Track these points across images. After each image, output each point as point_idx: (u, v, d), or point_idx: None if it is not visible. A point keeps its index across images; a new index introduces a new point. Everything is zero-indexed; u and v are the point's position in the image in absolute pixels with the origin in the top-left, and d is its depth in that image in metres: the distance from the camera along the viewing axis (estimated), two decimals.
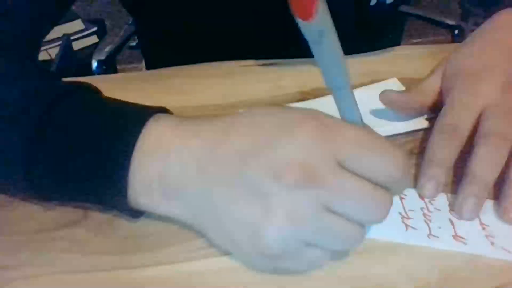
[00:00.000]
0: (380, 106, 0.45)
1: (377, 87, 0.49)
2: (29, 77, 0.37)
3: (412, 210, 0.36)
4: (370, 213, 0.29)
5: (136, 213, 0.34)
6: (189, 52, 0.57)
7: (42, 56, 1.50)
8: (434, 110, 0.44)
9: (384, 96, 0.44)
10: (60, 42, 1.54)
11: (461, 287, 0.31)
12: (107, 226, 0.35)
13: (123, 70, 1.65)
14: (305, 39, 0.27)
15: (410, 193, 0.37)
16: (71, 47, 1.63)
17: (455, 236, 0.34)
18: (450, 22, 1.09)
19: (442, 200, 0.37)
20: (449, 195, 0.37)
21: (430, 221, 0.35)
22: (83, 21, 1.74)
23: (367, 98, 0.45)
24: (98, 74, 0.96)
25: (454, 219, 0.35)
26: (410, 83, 0.49)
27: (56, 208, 0.36)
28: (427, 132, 0.43)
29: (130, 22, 1.06)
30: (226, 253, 0.32)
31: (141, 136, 0.31)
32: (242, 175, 0.29)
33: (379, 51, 0.57)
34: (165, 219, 0.34)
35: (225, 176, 0.29)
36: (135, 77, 0.57)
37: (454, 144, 0.38)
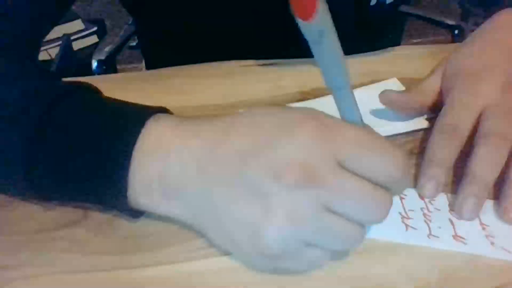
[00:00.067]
0: (380, 106, 0.45)
1: (377, 87, 0.49)
2: (29, 77, 0.37)
3: (412, 210, 0.36)
4: (370, 213, 0.29)
5: (136, 213, 0.34)
6: (189, 52, 0.57)
7: (42, 56, 1.50)
8: (434, 110, 0.44)
9: (384, 96, 0.44)
10: (60, 42, 1.55)
11: (461, 287, 0.31)
12: (107, 226, 0.35)
13: (123, 70, 1.65)
14: (305, 39, 0.27)
15: (410, 193, 0.37)
16: (71, 47, 1.63)
17: (455, 236, 0.34)
18: (450, 22, 1.09)
19: (442, 200, 0.37)
20: (449, 195, 0.37)
21: (430, 221, 0.35)
22: (83, 21, 1.74)
23: (367, 98, 0.45)
24: (98, 74, 0.96)
25: (454, 219, 0.35)
26: (410, 83, 0.49)
27: (56, 208, 0.36)
28: (427, 132, 0.43)
29: (130, 22, 1.06)
30: (226, 253, 0.32)
31: (140, 136, 0.31)
32: (242, 175, 0.29)
33: (379, 51, 0.57)
34: (165, 219, 0.34)
35: (225, 176, 0.29)
36: (135, 77, 0.57)
37: (454, 144, 0.38)
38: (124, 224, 0.35)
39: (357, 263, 0.32)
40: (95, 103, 0.34)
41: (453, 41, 1.08)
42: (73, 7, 0.58)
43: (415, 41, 2.10)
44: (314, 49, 0.28)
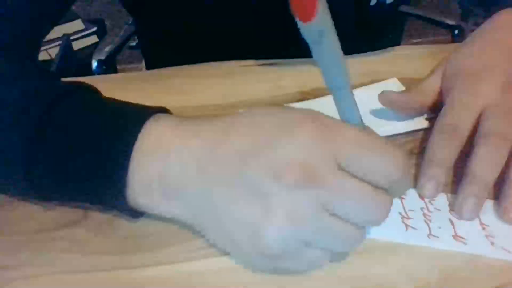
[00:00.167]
0: (380, 106, 0.45)
1: (377, 87, 0.49)
2: (29, 77, 0.37)
3: (412, 210, 0.36)
4: (370, 214, 0.29)
5: (136, 213, 0.34)
6: (189, 52, 0.57)
7: (42, 56, 1.50)
8: (434, 110, 0.44)
9: (383, 96, 0.44)
10: (60, 42, 1.55)
11: (461, 287, 0.31)
12: (107, 226, 0.35)
13: (123, 70, 1.65)
14: (305, 39, 0.27)
15: (410, 193, 0.37)
16: (71, 47, 1.63)
17: (455, 236, 0.34)
18: (450, 22, 1.09)
19: (442, 200, 0.37)
20: (449, 195, 0.37)
21: (430, 221, 0.35)
22: (83, 21, 1.74)
23: (367, 98, 0.45)
24: (98, 74, 0.96)
25: (454, 219, 0.35)
26: (410, 83, 0.49)
27: (56, 208, 0.36)
28: (427, 132, 0.43)
29: (130, 22, 1.06)
30: (226, 253, 0.32)
31: (140, 136, 0.31)
32: (242, 175, 0.29)
33: (379, 51, 0.57)
34: (165, 219, 0.33)
35: (225, 176, 0.29)
36: (135, 77, 0.57)
37: (454, 144, 0.38)
38: (124, 224, 0.35)
39: (357, 263, 0.32)
40: (95, 103, 0.34)
41: (453, 41, 1.08)
42: (73, 7, 0.57)
43: (415, 41, 2.10)
44: (314, 49, 0.28)
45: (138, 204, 0.32)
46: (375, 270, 0.32)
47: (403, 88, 0.49)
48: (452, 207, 0.36)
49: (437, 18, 1.12)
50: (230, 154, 0.29)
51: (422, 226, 0.34)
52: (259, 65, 0.55)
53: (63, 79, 0.37)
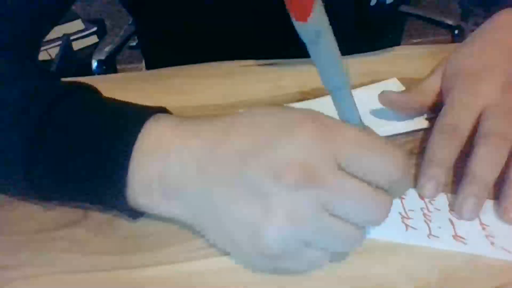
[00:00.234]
0: (380, 106, 0.45)
1: (377, 87, 0.49)
2: (29, 77, 0.37)
3: (412, 210, 0.36)
4: (370, 214, 0.29)
5: (135, 213, 0.34)
6: (189, 52, 0.57)
7: (42, 56, 1.49)
8: (434, 110, 0.44)
9: (383, 96, 0.44)
10: (60, 42, 1.55)
11: (461, 287, 0.31)
12: (107, 226, 0.35)
13: (123, 70, 1.65)
14: (302, 39, 0.27)
15: (410, 193, 0.37)
16: (71, 47, 1.63)
17: (455, 236, 0.34)
18: (450, 22, 1.09)
19: (442, 200, 0.37)
20: (449, 195, 0.37)
21: (430, 221, 0.35)
22: (83, 21, 1.74)
23: (367, 98, 0.45)
24: (98, 74, 0.96)
25: (454, 219, 0.35)
26: (410, 83, 0.49)
27: (56, 208, 0.36)
28: (427, 132, 0.43)
29: (130, 22, 1.06)
30: (226, 253, 0.32)
31: (140, 136, 0.31)
32: (242, 175, 0.29)
33: (379, 51, 0.57)
34: (165, 219, 0.34)
35: (225, 176, 0.29)
36: (135, 77, 0.57)
37: (454, 144, 0.38)
38: (124, 224, 0.35)
39: (357, 263, 0.32)
40: (95, 103, 0.34)
41: (453, 41, 1.08)
42: (73, 7, 0.58)
43: (415, 41, 2.10)
44: (311, 49, 0.28)
45: (138, 204, 0.32)
46: (375, 270, 0.32)
47: (403, 88, 0.49)
48: (452, 207, 0.36)
49: (437, 18, 1.12)
50: (230, 154, 0.29)
51: (422, 226, 0.34)
52: (259, 65, 0.55)
53: (63, 79, 0.37)
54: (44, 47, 1.52)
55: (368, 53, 0.57)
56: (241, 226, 0.29)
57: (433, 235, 0.34)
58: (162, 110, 0.34)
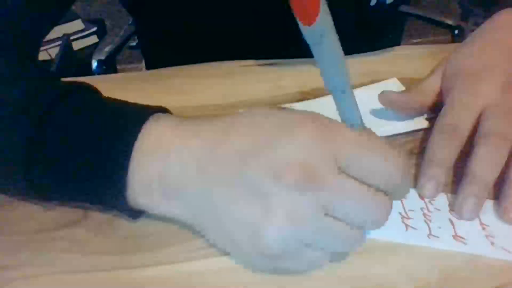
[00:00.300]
0: (380, 106, 0.45)
1: (377, 87, 0.49)
2: (29, 77, 0.37)
3: (412, 210, 0.36)
4: (370, 214, 0.29)
5: (135, 214, 0.34)
6: (189, 52, 0.57)
7: (42, 56, 1.50)
8: (434, 110, 0.44)
9: (383, 96, 0.44)
10: (60, 42, 1.55)
11: (461, 287, 0.31)
12: (107, 226, 0.35)
13: (123, 70, 1.65)
14: (305, 39, 0.27)
15: (410, 193, 0.37)
16: (71, 47, 1.63)
17: (455, 236, 0.34)
18: (450, 22, 1.09)
19: (442, 200, 0.37)
20: (449, 195, 0.37)
21: (430, 221, 0.35)
22: (83, 21, 1.74)
23: (367, 98, 0.45)
24: (98, 74, 0.96)
25: (454, 219, 0.35)
26: (410, 83, 0.49)
27: (56, 208, 0.36)
28: (427, 132, 0.43)
29: (130, 22, 1.06)
30: (226, 253, 0.32)
31: (140, 136, 0.31)
32: (242, 175, 0.29)
33: (379, 51, 0.57)
34: (165, 219, 0.34)
35: (225, 176, 0.29)
36: (135, 77, 0.57)
37: (454, 144, 0.38)
38: (124, 224, 0.35)
39: (357, 263, 0.32)
40: (95, 103, 0.34)
41: (453, 41, 1.08)
42: (73, 7, 0.57)
43: (415, 41, 2.10)
44: (314, 50, 0.28)
45: (138, 204, 0.32)
46: (375, 270, 0.32)
47: (403, 88, 0.49)
48: (452, 207, 0.36)
49: (437, 18, 1.12)
50: (230, 154, 0.29)
51: (422, 226, 0.34)
52: (259, 65, 0.55)
53: (63, 79, 0.37)
54: (44, 47, 1.52)
55: (368, 53, 0.57)
56: (241, 226, 0.29)
57: (433, 235, 0.34)
58: (162, 110, 0.34)
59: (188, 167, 0.31)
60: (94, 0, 1.92)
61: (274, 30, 0.55)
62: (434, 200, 0.37)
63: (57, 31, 1.55)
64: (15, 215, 0.36)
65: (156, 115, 0.33)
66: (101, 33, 1.74)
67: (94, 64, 0.96)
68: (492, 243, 0.33)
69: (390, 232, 0.34)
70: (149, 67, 0.76)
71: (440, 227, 0.34)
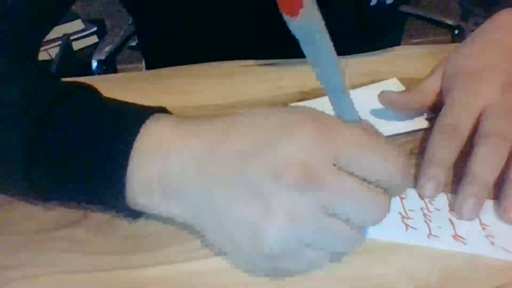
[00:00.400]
0: (380, 106, 0.45)
1: (377, 87, 0.49)
2: (29, 77, 0.37)
3: (412, 210, 0.36)
4: (370, 213, 0.29)
5: (134, 214, 0.34)
6: (189, 52, 0.57)
7: (42, 56, 1.50)
8: (434, 110, 0.44)
9: (383, 96, 0.44)
10: (60, 42, 1.55)
11: (461, 287, 0.31)
12: (107, 226, 0.35)
13: (123, 70, 1.65)
14: (296, 38, 0.27)
15: (410, 193, 0.37)
16: (71, 47, 1.63)
17: (455, 236, 0.34)
18: (450, 22, 1.09)
19: (442, 200, 0.37)
20: (449, 195, 0.37)
21: (430, 221, 0.35)
22: (83, 21, 1.74)
23: (367, 98, 0.45)
24: (98, 74, 0.96)
25: (454, 219, 0.35)
26: (410, 83, 0.49)
27: (56, 208, 0.36)
28: (427, 132, 0.43)
29: (130, 22, 1.06)
30: (226, 254, 0.32)
31: (140, 135, 0.31)
32: (242, 175, 0.29)
33: (379, 51, 0.57)
34: (165, 219, 0.33)
35: (225, 176, 0.29)
36: (135, 77, 0.57)
37: (454, 144, 0.38)
38: (124, 224, 0.35)
39: (357, 263, 0.32)
40: (95, 103, 0.34)
41: (453, 41, 1.08)
42: (73, 7, 0.57)
43: (415, 41, 2.10)
44: (305, 48, 0.28)
45: (138, 204, 0.32)
46: (375, 270, 0.32)
47: (403, 88, 0.49)
48: (452, 207, 0.36)
49: (437, 18, 1.12)
50: (230, 154, 0.29)
51: (422, 226, 0.34)
52: (259, 65, 0.55)
53: (63, 79, 0.37)
54: (44, 47, 1.52)
55: (368, 53, 0.57)
56: (241, 226, 0.29)
57: (433, 235, 0.34)
58: (162, 110, 0.34)
59: (188, 167, 0.31)
60: (94, 0, 1.92)
61: (274, 30, 0.54)
62: (434, 200, 0.37)
63: (57, 31, 1.55)
64: (15, 215, 0.36)
65: (156, 115, 0.33)
66: (101, 33, 1.74)
67: (94, 64, 0.96)
68: (492, 243, 0.33)
69: (390, 232, 0.34)
70: (149, 67, 0.76)
71: (440, 227, 0.34)
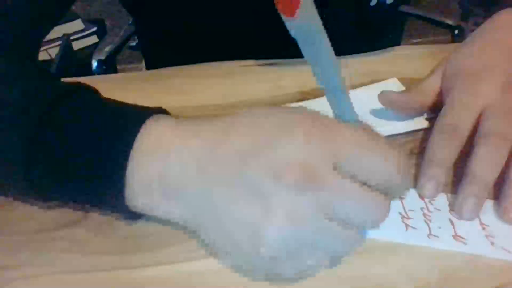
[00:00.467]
0: (380, 106, 0.45)
1: (377, 87, 0.49)
2: (29, 77, 0.37)
3: (412, 210, 0.36)
4: (370, 214, 0.29)
5: (134, 215, 0.34)
6: (189, 52, 0.57)
7: (42, 56, 1.50)
8: (434, 110, 0.44)
9: (383, 96, 0.44)
10: (60, 42, 1.55)
11: (461, 287, 0.31)
12: (107, 226, 0.35)
13: (123, 70, 1.65)
14: (294, 38, 0.27)
15: (410, 193, 0.37)
16: (71, 47, 1.63)
17: (455, 236, 0.34)
18: (450, 22, 1.09)
19: (442, 200, 0.37)
20: (449, 195, 0.37)
21: (430, 221, 0.35)
22: (83, 21, 1.74)
23: (367, 98, 0.45)
24: (98, 74, 0.96)
25: (454, 219, 0.35)
26: (410, 83, 0.49)
27: (56, 208, 0.36)
28: (427, 132, 0.43)
29: (130, 22, 1.06)
30: (226, 255, 0.32)
31: (140, 136, 0.31)
32: (242, 175, 0.29)
33: (379, 51, 0.57)
34: (165, 219, 0.33)
35: (225, 176, 0.29)
36: (135, 77, 0.57)
37: (454, 144, 0.38)
38: (124, 224, 0.35)
39: (357, 263, 0.32)
40: (95, 103, 0.34)
41: (453, 41, 1.08)
42: (73, 7, 0.57)
43: (415, 41, 2.10)
44: (303, 48, 0.28)
45: (138, 204, 0.32)
46: (375, 270, 0.32)
47: (403, 88, 0.49)
48: (452, 207, 0.36)
49: (437, 18, 1.12)
50: (230, 154, 0.29)
51: (422, 226, 0.34)
52: (259, 65, 0.55)
53: (63, 79, 0.37)
54: (44, 47, 1.52)
55: (368, 53, 0.57)
56: (241, 226, 0.29)
57: (433, 235, 0.34)
58: (162, 111, 0.34)
59: (188, 167, 0.31)
60: (94, 0, 1.92)
61: (274, 30, 0.54)
62: (434, 200, 0.37)
63: (57, 31, 1.55)
64: (15, 215, 0.36)
65: (156, 115, 0.33)
66: (101, 33, 1.74)
67: (94, 64, 0.96)
68: (492, 243, 0.33)
69: (390, 232, 0.34)
70: (149, 67, 0.76)
71: (440, 227, 0.34)
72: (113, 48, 0.99)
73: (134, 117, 0.32)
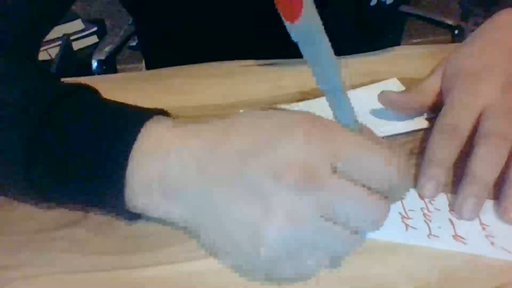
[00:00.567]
0: (380, 106, 0.45)
1: (377, 87, 0.49)
2: (29, 77, 0.37)
3: (412, 210, 0.36)
4: (370, 214, 0.29)
5: (133, 216, 0.34)
6: (189, 52, 0.57)
7: (42, 56, 1.49)
8: (434, 110, 0.44)
9: (383, 96, 0.44)
10: (60, 42, 1.55)
11: (461, 287, 0.31)
12: (107, 226, 0.35)
13: (123, 70, 1.65)
14: (294, 40, 0.27)
15: (410, 193, 0.37)
16: (71, 47, 1.63)
17: (455, 236, 0.34)
18: (450, 22, 1.09)
19: (442, 200, 0.37)
20: (449, 195, 0.37)
21: (430, 221, 0.35)
22: (83, 21, 1.74)
23: (367, 98, 0.45)
24: (98, 74, 0.96)
25: (454, 219, 0.35)
26: (410, 83, 0.49)
27: (56, 208, 0.36)
28: (427, 132, 0.43)
29: (130, 22, 1.06)
30: (226, 256, 0.32)
31: (140, 136, 0.31)
32: (242, 175, 0.29)
33: (379, 51, 0.57)
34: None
35: (225, 176, 0.29)
36: (135, 77, 0.57)
37: (454, 144, 0.38)
38: (124, 224, 0.35)
39: (357, 263, 0.32)
40: (95, 104, 0.34)
41: (453, 41, 1.08)
42: (73, 7, 0.58)
43: (415, 41, 2.10)
44: (303, 49, 0.28)
45: (138, 204, 0.32)
46: (375, 270, 0.32)
47: (403, 88, 0.49)
48: (452, 207, 0.36)
49: (437, 18, 1.12)
50: (230, 154, 0.29)
51: (422, 226, 0.34)
52: (259, 65, 0.55)
53: (63, 79, 0.37)
54: (44, 47, 1.52)
55: (368, 53, 0.57)
56: (241, 226, 0.29)
57: (433, 235, 0.34)
58: (162, 112, 0.34)
59: (188, 167, 0.31)
60: (94, 0, 1.92)
61: (274, 30, 0.54)
62: (434, 200, 0.37)
63: (57, 31, 1.55)
64: (15, 215, 0.36)
65: (156, 117, 0.33)
66: (101, 33, 1.74)
67: (94, 64, 0.96)
68: (492, 243, 0.33)
69: (390, 232, 0.34)
70: (149, 67, 0.76)
71: (440, 227, 0.34)
72: (113, 48, 0.99)
73: (135, 118, 0.32)
